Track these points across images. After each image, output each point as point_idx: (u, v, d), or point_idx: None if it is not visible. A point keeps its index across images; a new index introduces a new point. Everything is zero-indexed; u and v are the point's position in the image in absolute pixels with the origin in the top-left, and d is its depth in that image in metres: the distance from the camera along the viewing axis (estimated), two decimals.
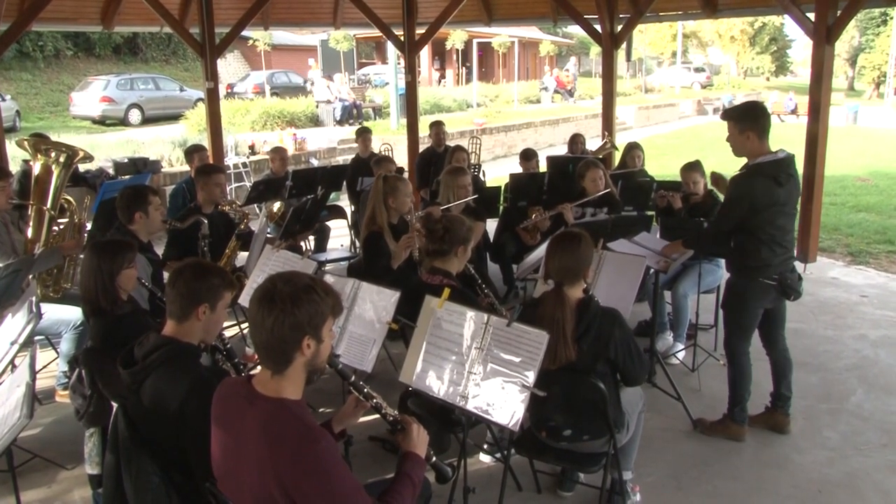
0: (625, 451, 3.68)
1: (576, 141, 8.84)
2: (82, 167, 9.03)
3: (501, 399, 2.98)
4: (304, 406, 2.26)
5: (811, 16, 7.61)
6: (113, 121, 22.51)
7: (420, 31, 10.99)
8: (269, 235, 5.82)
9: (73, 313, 4.88)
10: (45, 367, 5.46)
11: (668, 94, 35.76)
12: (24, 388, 2.78)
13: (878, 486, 4.03)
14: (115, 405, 3.00)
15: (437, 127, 9.05)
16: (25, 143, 5.63)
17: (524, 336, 3.02)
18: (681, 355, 5.64)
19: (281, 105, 20.10)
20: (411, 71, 11.18)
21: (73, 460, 4.25)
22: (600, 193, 6.11)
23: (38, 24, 8.82)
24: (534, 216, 6.21)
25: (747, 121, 4.17)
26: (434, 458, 2.55)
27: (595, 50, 32.68)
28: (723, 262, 5.76)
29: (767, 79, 50.90)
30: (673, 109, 31.48)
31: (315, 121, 20.17)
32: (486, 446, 4.26)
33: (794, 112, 29.33)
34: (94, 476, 3.70)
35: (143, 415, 2.62)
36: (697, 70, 43.60)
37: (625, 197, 6.46)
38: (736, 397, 4.43)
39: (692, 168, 6.03)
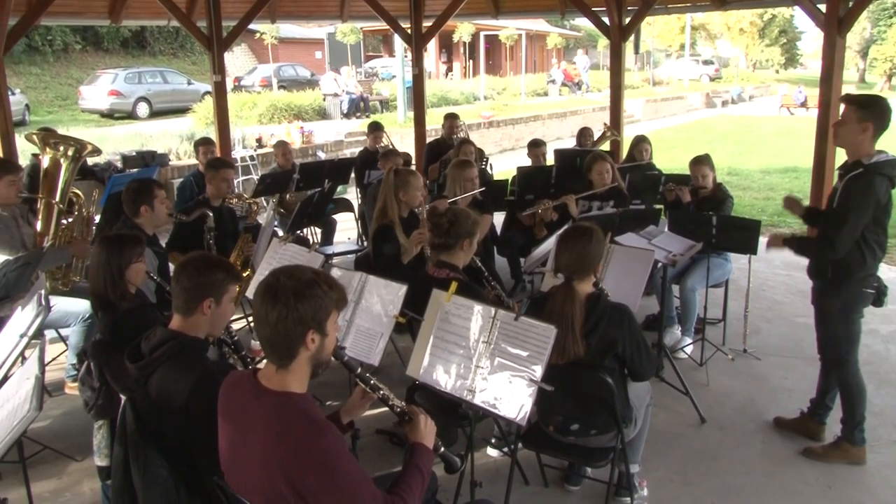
0: (632, 445, 3.67)
1: (584, 134, 8.82)
2: (91, 160, 9.04)
3: (509, 393, 2.96)
4: (310, 399, 2.26)
5: (822, 7, 7.53)
6: (121, 114, 22.53)
7: (427, 23, 10.95)
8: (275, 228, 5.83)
9: (82, 306, 4.89)
10: (54, 359, 5.48)
11: (676, 87, 35.58)
12: (34, 381, 2.78)
13: (889, 481, 4.00)
14: (123, 398, 3.00)
15: (450, 119, 9.04)
16: (34, 136, 5.64)
17: (532, 330, 3.01)
18: (689, 349, 5.62)
19: (288, 98, 20.10)
20: (418, 64, 11.16)
21: (82, 452, 4.28)
22: (607, 187, 6.08)
23: (46, 19, 8.84)
24: (539, 207, 6.19)
25: (871, 113, 3.80)
26: (442, 449, 2.55)
27: (603, 42, 32.56)
28: (731, 256, 5.77)
29: (777, 71, 50.63)
30: (681, 102, 31.31)
31: (322, 114, 20.16)
32: (493, 440, 4.25)
33: (803, 105, 29.13)
34: (104, 468, 3.71)
35: (150, 408, 2.62)
36: (706, 63, 43.33)
37: (633, 190, 6.43)
38: (855, 418, 4.11)
39: (701, 162, 6.00)
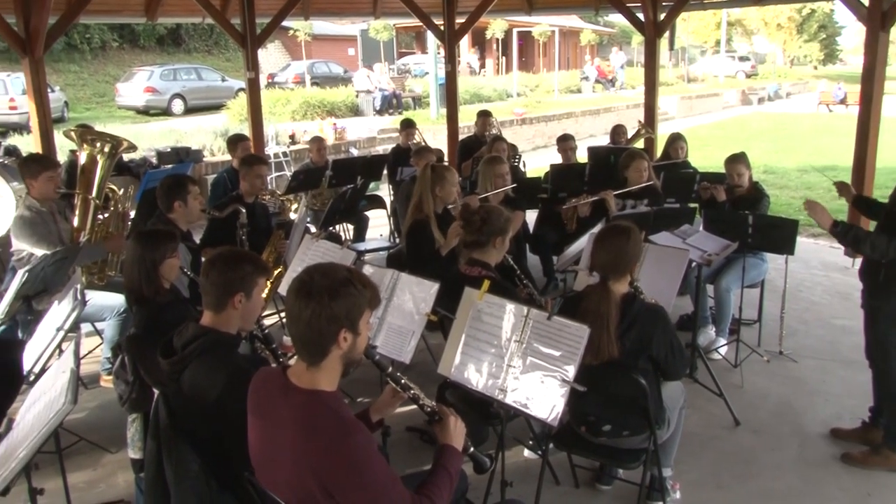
0: (665, 447, 3.63)
1: (618, 132, 8.74)
2: (126, 157, 9.17)
3: (541, 393, 2.94)
4: (340, 398, 2.25)
5: (865, 1, 7.38)
6: (156, 111, 22.82)
7: (460, 20, 10.94)
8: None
9: (117, 300, 4.95)
10: (90, 352, 5.56)
11: (711, 84, 35.13)
12: (69, 375, 2.81)
13: None
14: (156, 392, 3.03)
15: (483, 117, 9.01)
16: (72, 133, 5.72)
17: (565, 330, 2.97)
18: (723, 350, 5.54)
19: (321, 95, 20.21)
20: (451, 60, 11.14)
21: (116, 444, 4.32)
22: (643, 185, 6.02)
23: (85, 17, 8.98)
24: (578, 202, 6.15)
25: None
26: (472, 449, 2.53)
27: (637, 39, 32.22)
28: (768, 255, 5.67)
29: (815, 67, 49.70)
30: (716, 99, 30.94)
31: (355, 110, 20.23)
32: (529, 442, 4.22)
33: (842, 102, 28.60)
34: (137, 460, 3.76)
35: (182, 403, 2.64)
36: (742, 59, 42.71)
37: (667, 188, 6.36)
38: None
39: (737, 160, 5.90)
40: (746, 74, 40.49)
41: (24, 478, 2.86)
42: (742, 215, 5.36)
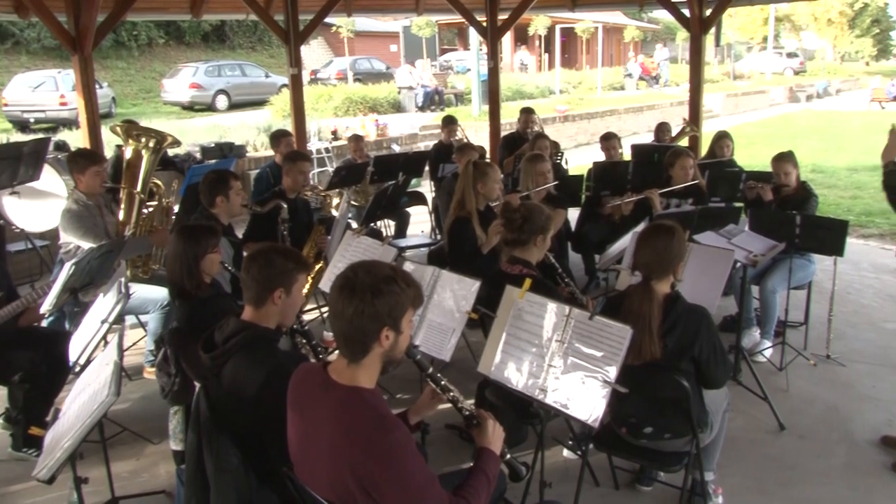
0: (707, 451, 3.56)
1: (662, 129, 8.65)
2: (171, 152, 9.31)
3: (581, 394, 2.91)
4: (379, 395, 2.25)
5: None
6: (201, 106, 23.16)
7: (503, 16, 10.88)
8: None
9: (161, 293, 5.02)
10: (134, 344, 5.66)
11: (758, 81, 34.51)
12: (113, 367, 2.86)
13: None
14: (197, 385, 3.06)
15: (526, 114, 8.97)
16: (118, 128, 5.82)
17: (606, 330, 2.94)
18: (768, 353, 5.43)
19: (363, 91, 20.28)
20: (493, 57, 11.10)
21: (158, 435, 4.39)
22: (688, 183, 5.92)
23: (132, 14, 9.13)
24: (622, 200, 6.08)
25: None
26: (508, 456, 2.50)
27: (682, 35, 31.80)
28: (815, 257, 5.55)
29: (867, 63, 48.47)
30: (763, 97, 30.37)
31: (397, 107, 20.29)
32: (569, 443, 4.18)
33: None
34: (178, 452, 3.80)
35: (222, 397, 2.66)
36: (790, 55, 41.84)
37: (712, 187, 6.26)
38: None
39: (784, 158, 5.78)
40: (794, 71, 39.67)
41: (70, 467, 2.92)
42: (789, 215, 5.25)
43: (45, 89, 19.09)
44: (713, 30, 10.28)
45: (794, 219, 5.18)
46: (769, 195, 5.76)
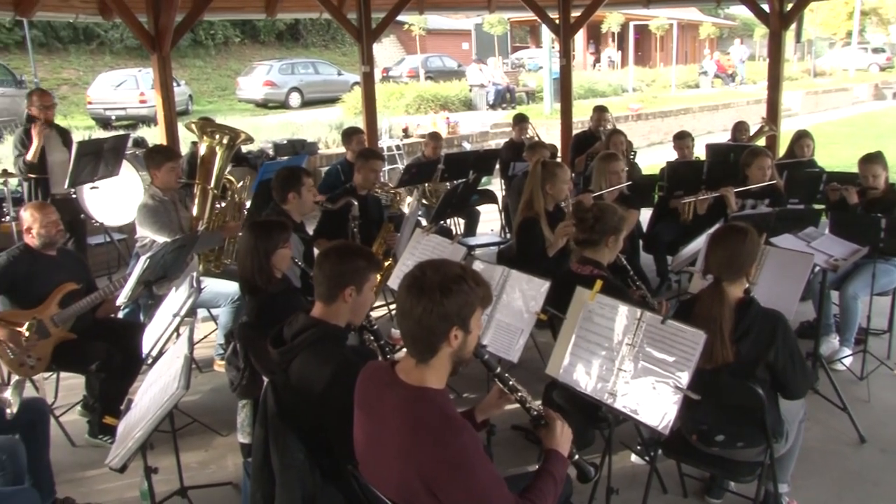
0: (782, 462, 3.44)
1: (740, 128, 8.42)
2: (244, 148, 9.49)
3: (652, 399, 2.84)
4: (447, 396, 2.24)
5: None
6: (274, 104, 23.55)
7: (575, 14, 10.75)
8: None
9: (232, 287, 5.11)
10: (205, 336, 5.80)
11: (840, 78, 33.24)
12: (183, 361, 2.92)
13: None
14: (265, 380, 3.10)
15: (599, 112, 8.86)
16: (193, 125, 5.96)
17: (679, 334, 2.87)
18: (848, 361, 5.23)
19: (435, 89, 20.39)
20: (566, 55, 10.98)
21: (227, 427, 4.49)
22: (765, 183, 5.74)
23: (209, 14, 9.36)
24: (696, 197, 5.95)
25: None
26: (577, 456, 2.46)
27: (760, 31, 30.92)
28: None
29: None
30: (845, 94, 29.22)
31: (468, 105, 20.31)
32: (638, 447, 4.10)
33: None
34: (245, 445, 3.87)
35: (290, 393, 2.68)
36: (876, 51, 40.20)
37: (791, 188, 6.06)
38: None
39: (873, 160, 5.54)
40: (880, 67, 38.04)
41: (141, 456, 3.00)
42: (873, 218, 5.03)
43: (126, 88, 19.78)
44: (794, 25, 9.93)
45: (878, 222, 4.95)
46: (854, 198, 5.54)
